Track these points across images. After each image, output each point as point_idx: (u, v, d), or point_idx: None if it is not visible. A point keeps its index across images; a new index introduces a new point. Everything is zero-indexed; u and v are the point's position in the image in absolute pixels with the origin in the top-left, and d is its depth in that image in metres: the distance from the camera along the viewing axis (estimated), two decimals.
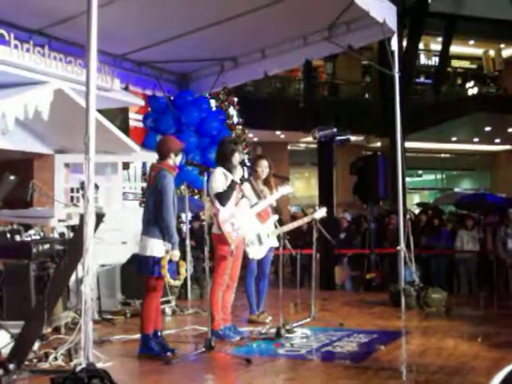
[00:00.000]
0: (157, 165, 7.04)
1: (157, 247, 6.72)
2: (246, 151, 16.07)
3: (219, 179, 7.74)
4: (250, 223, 8.26)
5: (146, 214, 6.86)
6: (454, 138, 31.79)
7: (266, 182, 8.91)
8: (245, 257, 8.48)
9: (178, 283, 6.86)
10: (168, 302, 9.81)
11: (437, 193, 35.01)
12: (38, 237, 8.29)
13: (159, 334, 6.98)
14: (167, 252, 6.67)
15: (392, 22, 10.67)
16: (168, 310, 9.82)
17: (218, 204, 7.72)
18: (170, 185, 6.80)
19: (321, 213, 9.10)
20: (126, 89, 11.65)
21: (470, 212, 16.59)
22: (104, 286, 10.10)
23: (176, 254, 6.70)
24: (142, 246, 6.82)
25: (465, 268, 14.28)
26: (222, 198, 7.70)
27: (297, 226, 9.34)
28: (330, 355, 6.97)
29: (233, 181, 7.78)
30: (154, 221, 6.76)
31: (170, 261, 6.66)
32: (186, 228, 11.62)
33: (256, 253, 8.64)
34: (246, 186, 8.61)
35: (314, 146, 17.92)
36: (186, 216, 11.81)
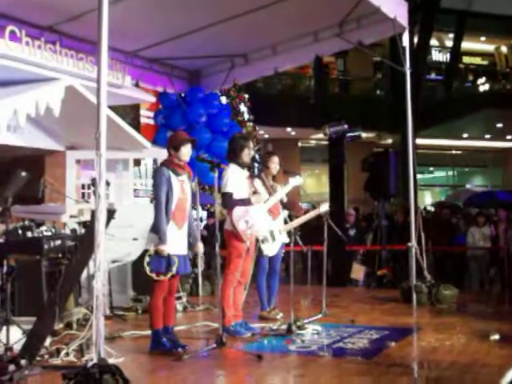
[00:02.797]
0: (161, 162, 7.10)
1: (149, 241, 6.78)
2: (256, 148, 16.07)
3: (231, 177, 7.74)
4: (264, 220, 8.27)
5: None
6: (465, 135, 31.69)
7: (276, 179, 8.91)
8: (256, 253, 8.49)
9: (161, 278, 6.78)
10: (179, 298, 9.82)
11: (448, 190, 34.92)
12: (49, 233, 8.31)
13: (170, 329, 6.99)
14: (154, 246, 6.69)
15: (403, 18, 10.65)
16: (179, 306, 9.82)
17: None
18: (160, 181, 6.77)
19: (325, 207, 9.10)
20: (137, 85, 11.66)
21: (481, 209, 16.57)
22: (115, 283, 10.12)
23: (161, 249, 6.65)
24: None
25: (476, 265, 14.25)
26: (227, 201, 7.72)
27: (302, 221, 9.33)
28: (341, 351, 6.96)
29: (249, 199, 7.82)
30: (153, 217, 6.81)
31: (158, 255, 6.66)
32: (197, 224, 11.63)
33: (270, 249, 8.66)
34: (257, 182, 8.62)
35: (325, 142, 17.92)
36: (197, 212, 11.80)
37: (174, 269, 6.71)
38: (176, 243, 6.82)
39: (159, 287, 6.82)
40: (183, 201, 6.94)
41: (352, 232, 14.75)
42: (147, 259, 6.64)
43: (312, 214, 9.33)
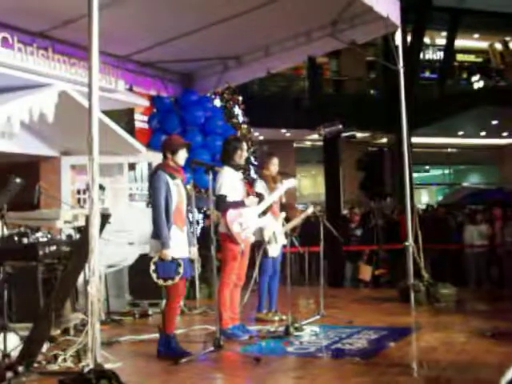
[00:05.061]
0: (156, 165, 7.08)
1: (153, 247, 6.76)
2: (251, 150, 16.04)
3: (225, 180, 7.73)
4: (264, 221, 8.29)
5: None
6: (460, 133, 31.67)
7: (275, 180, 8.91)
8: (253, 256, 8.49)
9: (170, 283, 6.75)
10: None
11: (444, 188, 34.90)
12: (45, 239, 8.28)
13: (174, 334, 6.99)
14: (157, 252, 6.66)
15: (396, 17, 10.66)
16: None
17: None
18: (158, 185, 6.76)
19: (311, 208, 9.13)
20: (131, 90, 11.64)
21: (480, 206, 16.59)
22: (112, 287, 10.10)
23: (165, 253, 6.62)
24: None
25: (474, 262, 14.25)
26: (221, 204, 7.70)
27: (295, 224, 9.33)
28: (340, 352, 6.96)
29: (242, 201, 7.80)
30: (152, 222, 6.78)
31: (162, 260, 6.63)
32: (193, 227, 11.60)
33: (274, 251, 8.71)
34: (260, 184, 8.65)
35: (320, 143, 17.89)
36: (193, 215, 11.78)
37: (181, 271, 6.69)
38: (180, 246, 6.82)
39: (175, 290, 6.79)
40: (181, 203, 6.95)
41: (358, 232, 14.68)
42: (152, 267, 6.60)
43: (302, 216, 9.35)
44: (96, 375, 4.87)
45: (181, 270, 6.65)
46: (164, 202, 6.72)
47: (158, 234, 6.68)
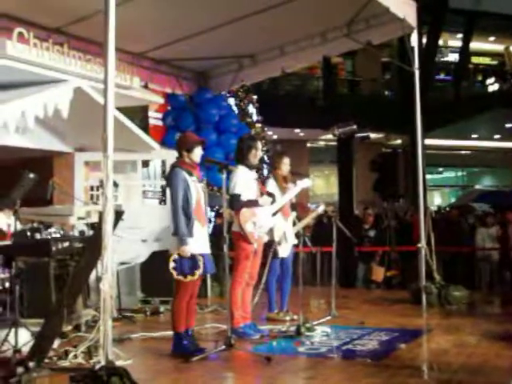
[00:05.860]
0: (173, 163, 7.05)
1: (173, 245, 6.72)
2: (265, 149, 16.04)
3: (239, 179, 7.72)
4: (274, 221, 8.28)
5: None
6: (474, 135, 31.60)
7: (287, 180, 8.89)
8: (265, 255, 8.48)
9: (189, 279, 6.74)
10: None
11: (458, 190, 34.81)
12: (57, 235, 8.31)
13: (190, 332, 6.97)
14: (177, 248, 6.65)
15: (412, 18, 10.62)
16: None
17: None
18: (177, 182, 6.74)
19: (322, 207, 9.14)
20: (146, 87, 11.65)
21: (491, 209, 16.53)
22: (124, 284, 10.12)
23: (184, 250, 6.61)
24: (169, 245, 6.89)
25: (486, 265, 14.19)
26: (235, 203, 7.69)
27: (306, 223, 9.31)
28: (351, 353, 6.93)
29: (256, 201, 7.81)
30: (171, 219, 6.77)
31: (181, 257, 6.63)
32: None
33: (284, 251, 8.70)
34: (271, 183, 8.63)
35: (334, 143, 17.86)
36: (206, 213, 11.77)
37: (201, 268, 6.69)
38: (200, 242, 6.82)
39: (184, 289, 6.77)
40: (201, 200, 6.97)
41: (372, 233, 14.62)
42: (172, 264, 6.59)
43: (313, 215, 9.33)
44: (107, 372, 4.87)
45: (201, 265, 6.66)
46: (183, 199, 6.71)
47: (175, 231, 6.66)
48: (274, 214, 8.28)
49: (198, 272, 6.66)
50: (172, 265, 6.59)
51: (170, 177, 6.89)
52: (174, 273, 6.59)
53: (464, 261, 14.29)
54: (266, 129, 18.53)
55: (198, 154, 6.96)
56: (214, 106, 12.63)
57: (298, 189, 8.56)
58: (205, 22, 10.41)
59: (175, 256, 6.60)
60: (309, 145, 30.09)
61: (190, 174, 6.85)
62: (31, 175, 6.83)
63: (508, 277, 14.20)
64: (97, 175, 10.76)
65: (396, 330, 8.17)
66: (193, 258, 6.63)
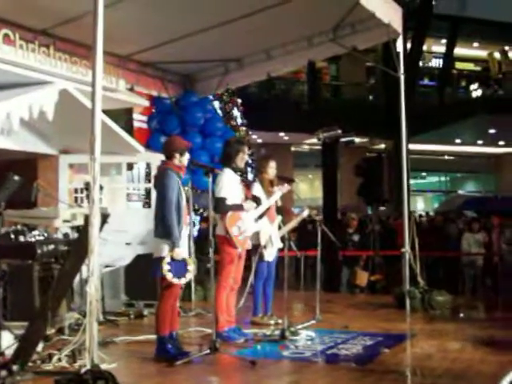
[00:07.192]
0: (162, 165, 7.03)
1: (161, 247, 6.69)
2: (249, 152, 16.06)
3: (225, 183, 7.72)
4: (259, 225, 8.29)
5: (154, 215, 6.84)
6: (458, 140, 31.75)
7: (272, 183, 8.90)
8: (248, 259, 8.49)
9: (183, 282, 6.76)
10: None
11: (441, 195, 34.95)
12: (42, 237, 8.26)
13: (174, 335, 6.95)
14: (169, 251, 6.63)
15: (397, 24, 10.65)
16: None
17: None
18: (172, 183, 6.73)
19: (307, 212, 9.17)
20: (132, 89, 11.61)
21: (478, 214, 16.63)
22: (108, 287, 10.08)
23: (177, 253, 6.60)
24: (152, 247, 6.86)
25: (470, 271, 14.26)
26: (220, 205, 7.69)
27: (291, 227, 9.33)
28: (335, 358, 6.95)
29: (241, 205, 7.81)
30: (159, 221, 6.75)
31: (173, 260, 6.61)
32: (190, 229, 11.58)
33: (269, 254, 8.72)
34: (257, 187, 8.64)
35: (318, 147, 17.90)
36: (190, 217, 11.76)
37: (192, 270, 6.69)
38: (185, 245, 6.85)
39: (172, 292, 6.77)
40: (184, 204, 6.97)
41: (356, 237, 14.66)
42: (166, 267, 6.56)
43: (298, 219, 9.35)
44: (93, 376, 4.86)
45: (190, 268, 6.66)
46: (175, 202, 6.71)
47: (168, 233, 6.62)
48: (260, 218, 8.29)
49: (188, 274, 6.66)
50: (166, 268, 6.56)
51: (162, 178, 6.84)
52: (169, 275, 6.57)
53: (447, 266, 14.37)
54: (250, 132, 18.57)
55: (187, 157, 6.99)
56: (199, 109, 12.63)
57: (279, 194, 8.58)
58: (191, 25, 10.39)
59: (168, 259, 6.59)
60: (293, 149, 30.14)
61: (180, 177, 6.87)
62: (16, 177, 6.80)
63: (489, 282, 14.29)
64: (81, 177, 10.73)
65: (380, 335, 8.20)
66: (183, 260, 6.64)
